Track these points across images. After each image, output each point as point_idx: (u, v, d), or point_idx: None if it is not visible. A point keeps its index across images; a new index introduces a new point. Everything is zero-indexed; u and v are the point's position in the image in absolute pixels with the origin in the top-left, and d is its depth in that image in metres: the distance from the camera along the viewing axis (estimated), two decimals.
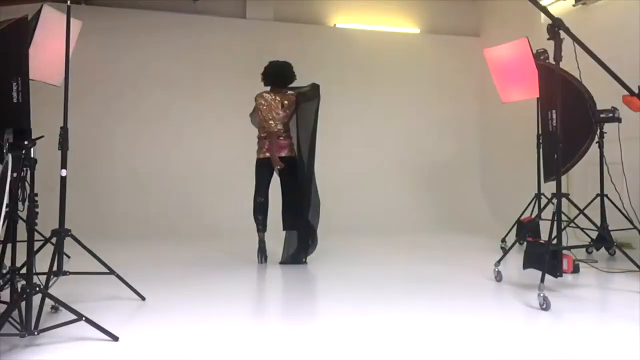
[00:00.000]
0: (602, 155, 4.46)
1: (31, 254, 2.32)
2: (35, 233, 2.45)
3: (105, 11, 6.60)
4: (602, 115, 4.36)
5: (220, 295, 3.37)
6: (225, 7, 7.11)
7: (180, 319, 2.77)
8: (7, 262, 2.51)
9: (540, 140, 5.02)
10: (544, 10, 3.34)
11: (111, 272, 3.09)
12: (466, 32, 7.78)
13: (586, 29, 4.51)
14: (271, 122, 4.35)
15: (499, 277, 3.66)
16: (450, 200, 7.23)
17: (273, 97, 4.44)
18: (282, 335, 2.57)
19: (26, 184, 2.39)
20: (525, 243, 3.63)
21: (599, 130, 4.45)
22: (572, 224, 4.29)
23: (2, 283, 2.54)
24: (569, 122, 3.51)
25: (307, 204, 4.32)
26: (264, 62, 4.60)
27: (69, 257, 3.88)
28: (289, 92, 4.52)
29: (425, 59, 7.57)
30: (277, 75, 4.48)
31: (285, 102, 4.46)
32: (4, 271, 2.61)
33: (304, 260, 4.39)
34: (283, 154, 4.41)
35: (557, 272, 3.10)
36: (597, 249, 4.62)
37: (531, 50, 4.55)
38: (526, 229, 4.82)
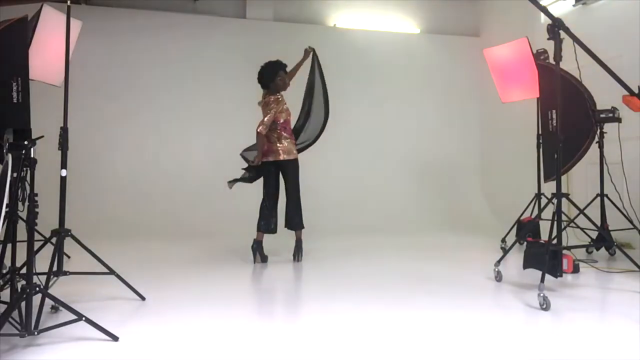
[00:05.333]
0: (602, 155, 4.46)
1: (31, 254, 2.32)
2: (35, 233, 2.45)
3: (105, 11, 6.60)
4: (602, 115, 4.36)
5: (220, 294, 3.37)
6: (225, 7, 7.11)
7: (180, 318, 2.77)
8: (7, 262, 2.51)
9: (540, 140, 5.02)
10: (544, 10, 3.34)
11: (111, 272, 3.09)
12: (466, 32, 7.78)
13: (586, 29, 4.51)
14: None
15: (499, 277, 3.66)
16: (451, 200, 7.23)
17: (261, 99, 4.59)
18: (282, 334, 2.56)
19: (26, 184, 2.39)
20: (525, 243, 3.63)
21: (599, 130, 4.45)
22: (572, 224, 4.29)
23: (2, 283, 2.54)
24: (569, 122, 3.51)
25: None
26: (264, 62, 4.60)
27: (69, 257, 3.89)
28: (276, 94, 4.47)
29: (425, 59, 7.57)
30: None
31: (263, 104, 4.50)
32: (4, 271, 2.61)
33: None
34: (271, 159, 4.44)
35: (557, 272, 3.11)
36: (597, 249, 4.63)
37: (531, 50, 4.55)
38: (526, 229, 4.82)
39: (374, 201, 6.97)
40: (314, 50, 4.88)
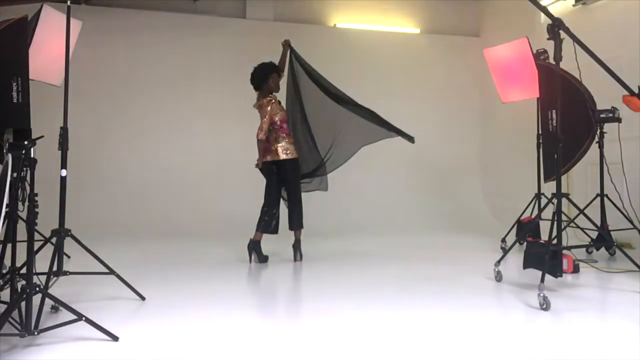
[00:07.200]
0: (602, 155, 4.46)
1: (31, 254, 2.32)
2: (35, 233, 2.45)
3: (105, 11, 6.60)
4: (602, 115, 4.35)
5: (220, 294, 3.37)
6: (225, 7, 7.11)
7: (180, 318, 2.77)
8: (7, 262, 2.51)
9: (540, 140, 5.02)
10: (544, 10, 3.34)
11: (111, 272, 3.09)
12: (466, 32, 7.78)
13: (586, 29, 4.50)
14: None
15: (499, 277, 3.66)
16: (451, 201, 7.22)
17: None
18: (282, 334, 2.56)
19: (26, 184, 2.39)
20: (525, 243, 3.63)
21: (599, 130, 4.45)
22: (572, 224, 4.29)
23: (2, 283, 2.54)
24: (569, 122, 3.51)
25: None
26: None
27: (69, 257, 3.89)
28: (269, 97, 4.48)
29: (425, 59, 7.57)
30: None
31: (258, 107, 4.52)
32: (4, 271, 2.61)
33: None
34: (269, 158, 4.45)
35: (557, 272, 3.11)
36: (597, 249, 4.62)
37: (531, 50, 4.55)
38: (526, 229, 4.82)
39: (373, 201, 6.96)
40: (289, 44, 4.85)
